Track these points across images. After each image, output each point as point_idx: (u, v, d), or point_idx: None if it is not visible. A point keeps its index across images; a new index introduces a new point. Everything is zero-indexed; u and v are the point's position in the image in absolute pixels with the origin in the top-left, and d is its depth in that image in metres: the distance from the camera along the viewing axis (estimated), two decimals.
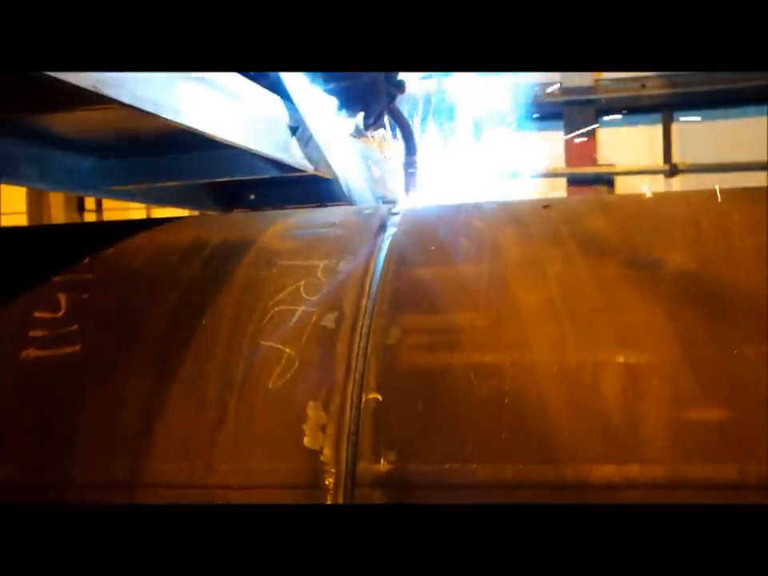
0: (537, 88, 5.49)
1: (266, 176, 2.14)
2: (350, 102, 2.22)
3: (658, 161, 6.20)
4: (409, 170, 2.57)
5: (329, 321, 1.23)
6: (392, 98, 2.46)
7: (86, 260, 1.46)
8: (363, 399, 1.13)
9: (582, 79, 6.08)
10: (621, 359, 1.11)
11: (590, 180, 6.20)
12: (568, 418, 1.07)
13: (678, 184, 6.04)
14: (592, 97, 6.14)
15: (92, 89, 1.13)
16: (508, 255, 1.33)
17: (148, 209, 6.04)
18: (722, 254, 1.25)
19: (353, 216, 1.58)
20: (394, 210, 1.55)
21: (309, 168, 2.09)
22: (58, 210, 6.81)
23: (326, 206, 2.38)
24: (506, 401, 1.09)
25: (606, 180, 6.21)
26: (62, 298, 1.38)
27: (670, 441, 1.03)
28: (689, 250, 1.27)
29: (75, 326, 1.33)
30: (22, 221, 6.46)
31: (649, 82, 5.93)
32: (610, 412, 1.06)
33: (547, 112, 5.91)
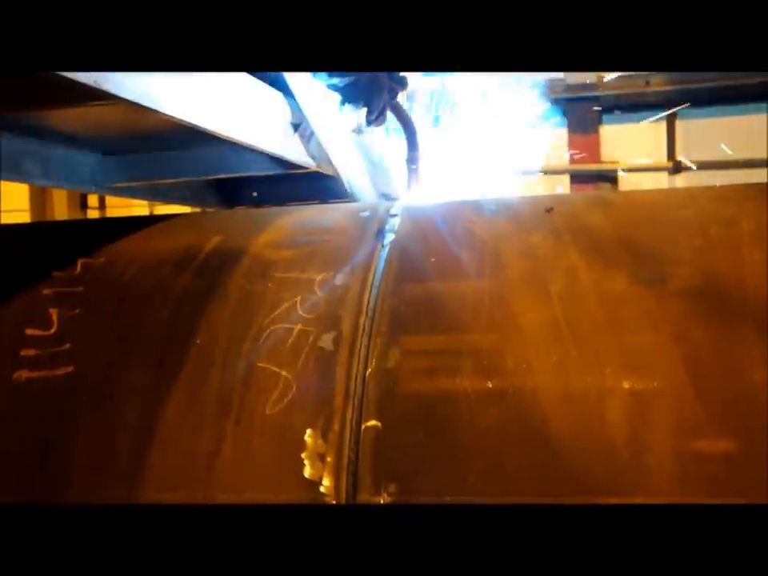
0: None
1: (268, 173, 2.13)
2: (352, 98, 2.20)
3: (662, 158, 6.15)
4: (411, 166, 2.54)
5: (327, 342, 1.20)
6: (394, 94, 2.43)
7: (78, 270, 1.43)
8: (363, 427, 1.10)
9: (585, 76, 6.02)
10: (626, 385, 1.08)
11: (594, 177, 6.15)
12: (572, 449, 1.04)
13: (681, 181, 6.00)
14: (596, 93, 6.09)
15: (93, 84, 1.11)
16: (510, 269, 1.29)
17: (151, 206, 6.02)
18: (731, 269, 1.21)
19: (350, 220, 1.53)
20: (392, 211, 1.51)
21: (311, 165, 2.08)
22: (60, 208, 6.82)
23: (327, 203, 2.36)
24: (509, 429, 1.06)
25: (610, 177, 6.16)
26: (54, 313, 1.35)
27: (676, 473, 1.01)
28: (696, 263, 1.23)
29: (67, 345, 1.30)
30: (24, 218, 6.44)
31: (653, 78, 5.87)
32: (615, 442, 1.04)
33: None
